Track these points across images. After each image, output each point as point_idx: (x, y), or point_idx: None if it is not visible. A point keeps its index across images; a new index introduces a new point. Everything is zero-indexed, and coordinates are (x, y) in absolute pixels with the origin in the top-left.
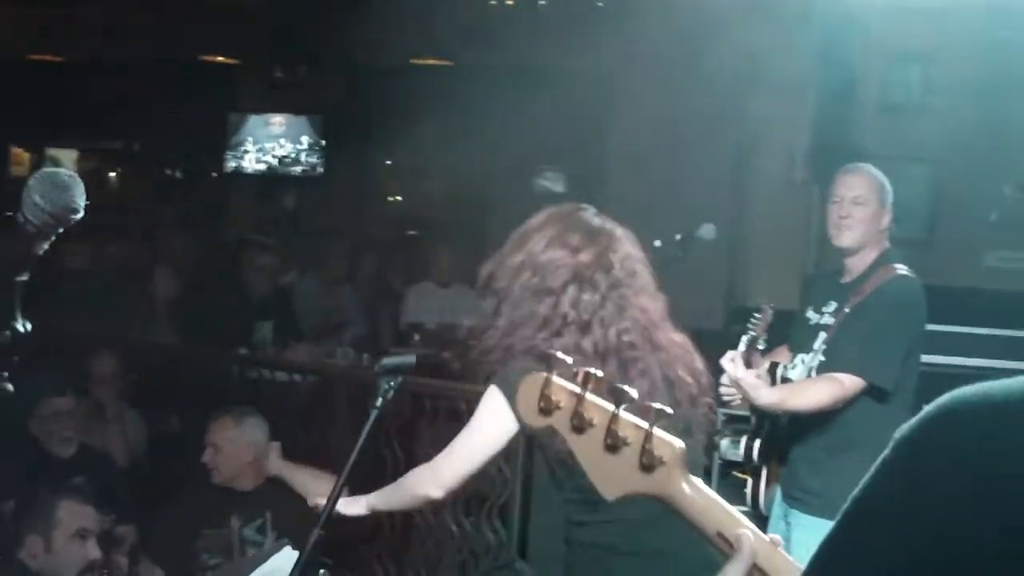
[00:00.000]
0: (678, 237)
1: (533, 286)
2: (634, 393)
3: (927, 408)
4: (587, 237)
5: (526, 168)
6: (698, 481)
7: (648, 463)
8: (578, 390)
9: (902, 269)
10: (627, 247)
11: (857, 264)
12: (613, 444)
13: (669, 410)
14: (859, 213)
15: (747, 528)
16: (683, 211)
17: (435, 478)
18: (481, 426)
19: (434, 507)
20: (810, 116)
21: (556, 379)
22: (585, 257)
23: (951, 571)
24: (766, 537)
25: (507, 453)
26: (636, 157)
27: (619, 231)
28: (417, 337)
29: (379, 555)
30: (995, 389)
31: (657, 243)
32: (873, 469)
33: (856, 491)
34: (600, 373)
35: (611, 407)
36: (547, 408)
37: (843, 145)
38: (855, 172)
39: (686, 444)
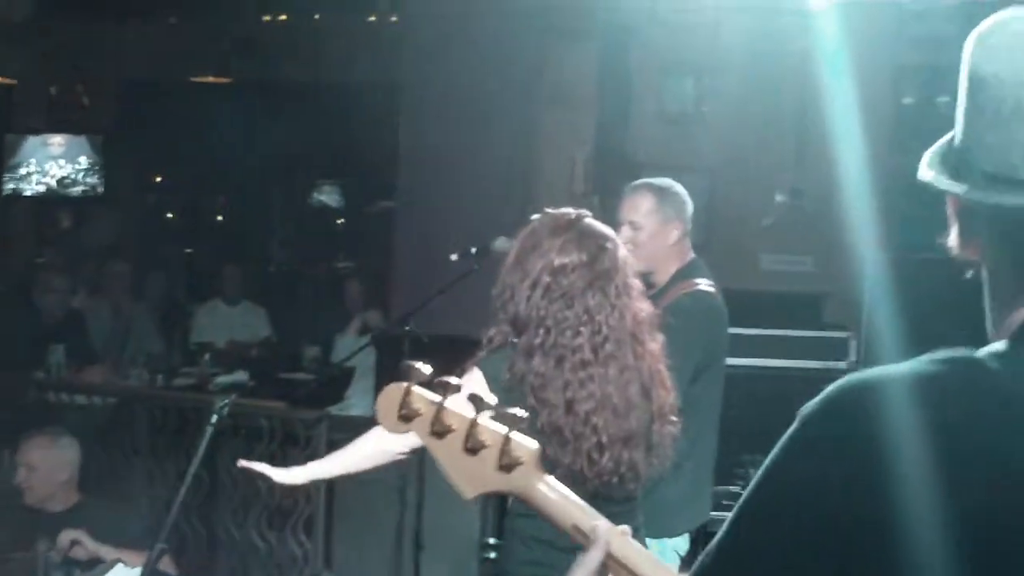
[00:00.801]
0: (474, 250)
1: (547, 290)
2: (492, 401)
3: (829, 388)
4: (596, 243)
5: (306, 182)
6: (553, 480)
7: (507, 463)
8: (438, 399)
9: (701, 283)
10: (623, 251)
11: (659, 279)
12: (473, 447)
13: (525, 414)
14: (638, 237)
15: (600, 521)
16: (470, 223)
17: None
18: None
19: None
20: (591, 127)
21: (416, 388)
22: (596, 262)
23: (854, 536)
24: (618, 529)
25: None
26: (424, 171)
27: (615, 235)
28: (207, 356)
29: (188, 572)
30: (892, 371)
31: (453, 256)
32: (778, 446)
33: (766, 462)
34: (458, 381)
35: (471, 414)
36: (407, 416)
37: (623, 156)
38: (631, 194)
39: (649, 460)
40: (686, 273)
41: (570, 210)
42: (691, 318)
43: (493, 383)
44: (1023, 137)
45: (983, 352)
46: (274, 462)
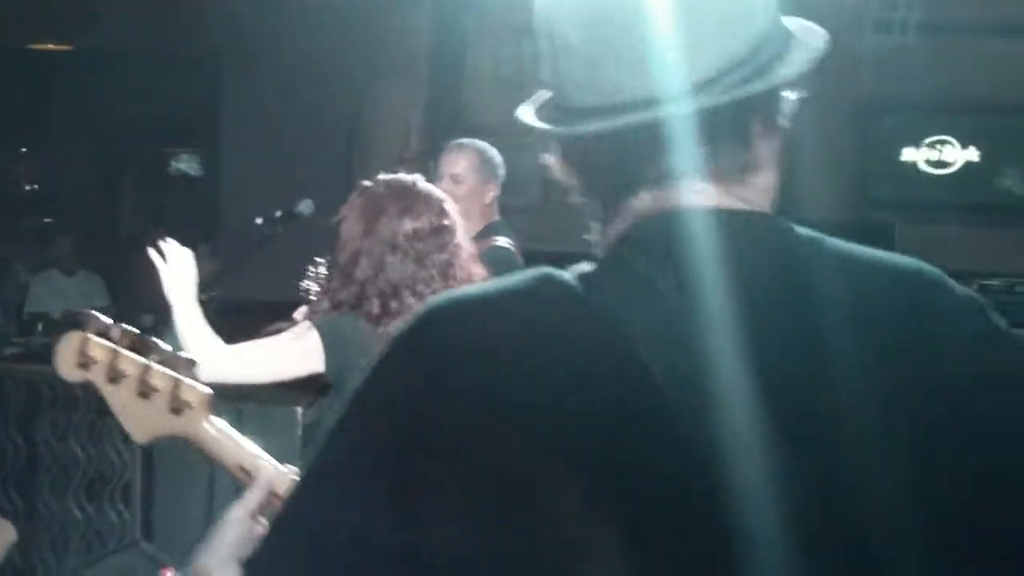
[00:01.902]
0: (278, 214)
1: (405, 254)
2: (167, 346)
3: (418, 309)
4: (439, 206)
5: (153, 151)
6: (222, 423)
7: (176, 407)
8: (113, 346)
9: (500, 240)
10: (456, 215)
11: None
12: (144, 391)
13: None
14: (458, 191)
15: (266, 462)
16: (301, 189)
17: (232, 353)
18: (288, 349)
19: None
20: (425, 92)
21: (93, 337)
22: (442, 224)
23: (443, 450)
24: (284, 468)
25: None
26: (252, 138)
27: (447, 198)
28: (40, 326)
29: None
30: (480, 290)
31: (259, 220)
32: (370, 367)
33: (358, 385)
34: (136, 330)
35: (145, 360)
36: (84, 363)
37: (458, 119)
38: (454, 150)
39: None
40: (489, 231)
41: (404, 175)
42: (495, 269)
43: (337, 343)
44: (572, 69)
45: (571, 271)
46: (92, 432)
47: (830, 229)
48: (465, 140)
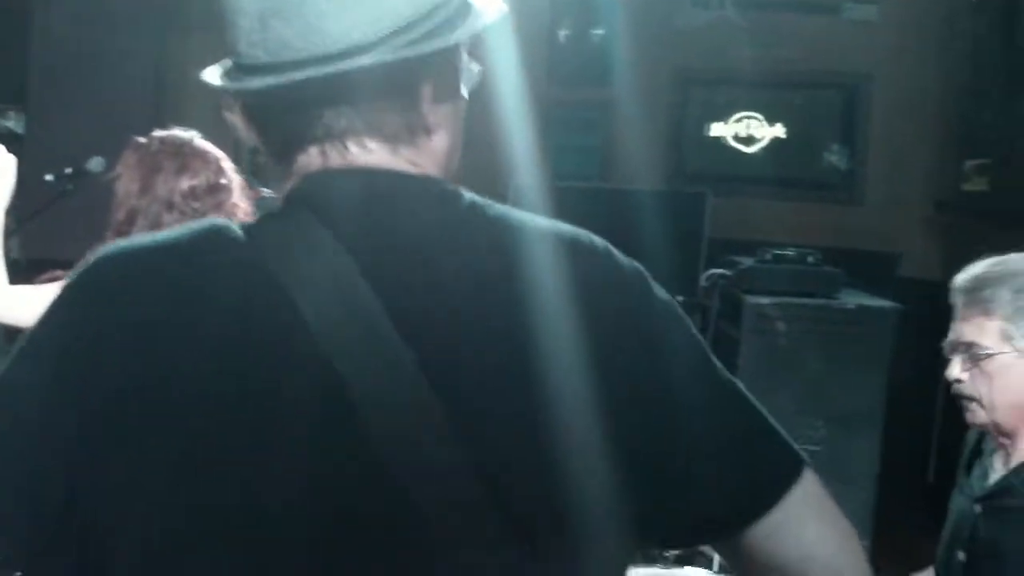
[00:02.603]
0: (68, 171)
1: (182, 213)
2: None
3: (89, 256)
4: (216, 163)
5: None
6: None
7: None
8: None
9: (266, 192)
10: (233, 172)
11: None
12: None
13: None
14: None
15: None
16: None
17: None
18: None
19: None
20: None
21: None
22: (219, 182)
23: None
24: None
25: None
26: (56, 90)
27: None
28: None
29: None
30: (147, 239)
31: (48, 177)
32: (44, 311)
33: (32, 327)
34: None
35: None
36: None
37: None
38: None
39: None
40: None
41: (180, 131)
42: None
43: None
44: (246, 27)
45: (237, 224)
46: None
47: (645, 199)
48: None
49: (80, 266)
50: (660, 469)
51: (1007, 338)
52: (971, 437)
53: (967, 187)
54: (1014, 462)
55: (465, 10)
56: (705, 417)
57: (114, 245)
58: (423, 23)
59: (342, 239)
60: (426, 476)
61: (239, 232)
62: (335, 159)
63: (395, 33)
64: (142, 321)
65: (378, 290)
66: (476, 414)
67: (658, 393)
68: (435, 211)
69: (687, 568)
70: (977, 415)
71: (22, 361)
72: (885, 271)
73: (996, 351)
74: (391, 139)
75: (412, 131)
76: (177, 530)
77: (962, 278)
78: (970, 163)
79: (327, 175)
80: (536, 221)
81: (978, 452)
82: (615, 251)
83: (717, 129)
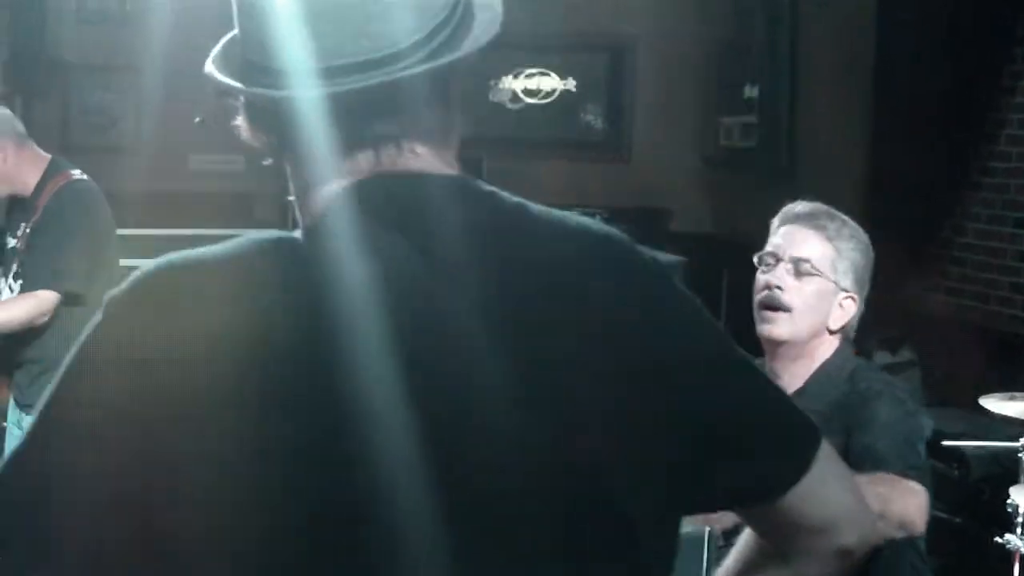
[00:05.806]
0: None
1: None
2: None
3: (135, 272)
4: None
5: None
6: None
7: None
8: None
9: (76, 173)
10: None
11: (28, 189)
12: None
13: None
14: None
15: None
16: None
17: None
18: None
19: None
20: (7, 28)
21: None
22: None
23: (162, 415)
24: None
25: None
26: None
27: None
28: None
29: None
30: (199, 253)
31: None
32: (87, 329)
33: (74, 348)
34: None
35: None
36: None
37: (42, 56)
38: None
39: None
40: (53, 170)
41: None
42: (84, 201)
43: None
44: (287, 30)
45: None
46: None
47: None
48: None
49: (129, 280)
50: (711, 444)
51: (833, 269)
52: None
53: (728, 143)
54: (789, 391)
55: (470, 2)
56: (743, 392)
57: (171, 256)
58: (450, 22)
59: (415, 243)
60: (520, 469)
61: (300, 240)
62: (383, 165)
63: (433, 33)
64: (204, 333)
65: (461, 292)
66: (565, 400)
67: (700, 374)
68: (491, 211)
69: None
70: (781, 326)
71: (80, 378)
72: (659, 226)
73: (825, 274)
74: (435, 142)
75: (448, 132)
76: (270, 538)
77: (800, 206)
78: (731, 119)
79: (380, 180)
80: (573, 217)
81: None
82: (639, 246)
83: (495, 92)
